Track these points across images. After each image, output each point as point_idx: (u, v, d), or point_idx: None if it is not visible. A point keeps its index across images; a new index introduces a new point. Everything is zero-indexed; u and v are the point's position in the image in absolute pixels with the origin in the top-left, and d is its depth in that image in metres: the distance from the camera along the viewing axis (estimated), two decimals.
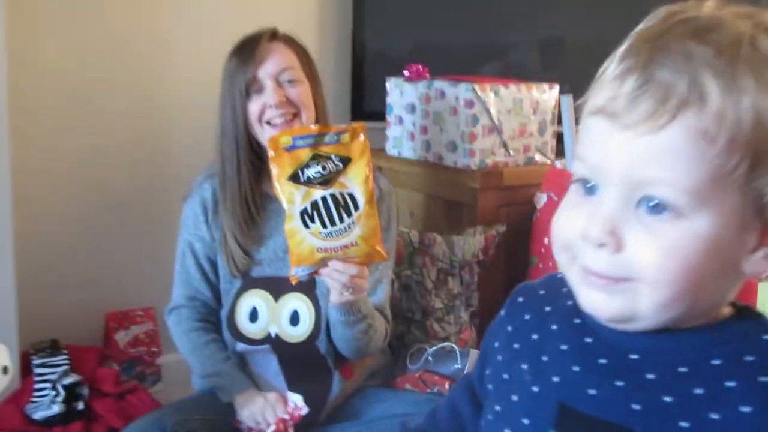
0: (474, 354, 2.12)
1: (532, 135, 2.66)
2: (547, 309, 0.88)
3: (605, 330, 0.81)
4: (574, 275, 0.79)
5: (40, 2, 2.58)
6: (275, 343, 2.06)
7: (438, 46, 2.96)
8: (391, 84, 2.75)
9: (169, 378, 2.73)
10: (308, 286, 2.01)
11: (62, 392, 2.32)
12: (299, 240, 1.79)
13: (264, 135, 2.05)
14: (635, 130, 0.71)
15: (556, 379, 0.84)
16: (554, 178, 2.44)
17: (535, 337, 0.89)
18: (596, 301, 0.77)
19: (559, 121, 2.55)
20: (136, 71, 2.77)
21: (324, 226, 1.78)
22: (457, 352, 2.19)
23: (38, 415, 2.28)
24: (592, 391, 0.81)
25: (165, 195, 2.71)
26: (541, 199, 2.46)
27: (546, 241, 2.42)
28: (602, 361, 0.81)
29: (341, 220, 1.77)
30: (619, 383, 0.79)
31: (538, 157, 2.68)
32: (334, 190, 1.77)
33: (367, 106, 2.92)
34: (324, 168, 1.78)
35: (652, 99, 0.71)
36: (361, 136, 1.80)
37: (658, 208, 0.72)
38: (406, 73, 2.68)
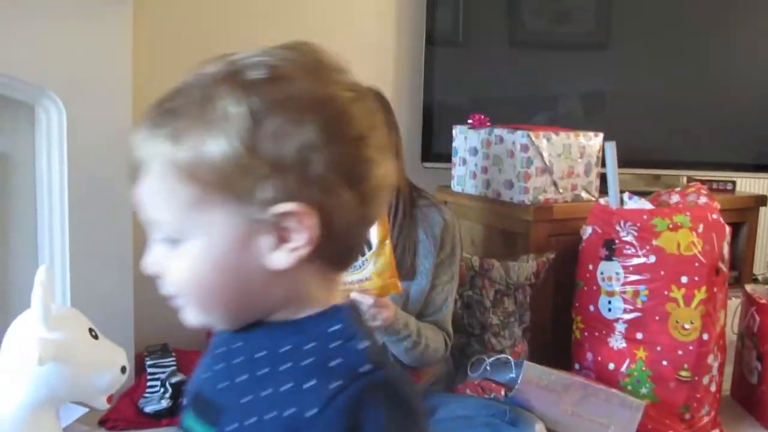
0: (527, 365, 2.11)
1: (579, 176, 2.65)
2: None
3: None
4: None
5: (162, 57, 2.56)
6: None
7: (496, 99, 2.98)
8: (457, 131, 2.75)
9: None
10: None
11: (170, 389, 2.30)
12: None
13: None
14: (137, 186, 0.77)
15: (198, 374, 0.88)
16: (598, 213, 2.44)
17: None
18: (180, 313, 0.81)
19: (603, 164, 2.55)
20: None
21: None
22: (512, 363, 2.18)
23: (149, 409, 2.28)
24: (205, 375, 0.85)
25: None
26: (587, 231, 2.46)
27: (590, 267, 2.42)
28: (219, 350, 0.85)
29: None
30: (220, 366, 0.83)
31: (583, 194, 2.67)
32: None
33: (435, 149, 2.92)
34: None
35: (131, 160, 0.77)
36: None
37: (167, 238, 0.76)
38: (469, 121, 2.69)
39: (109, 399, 1.86)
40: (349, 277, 1.84)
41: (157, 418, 2.28)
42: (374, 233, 1.83)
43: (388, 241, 1.85)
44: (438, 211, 2.16)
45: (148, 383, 2.38)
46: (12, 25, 2.08)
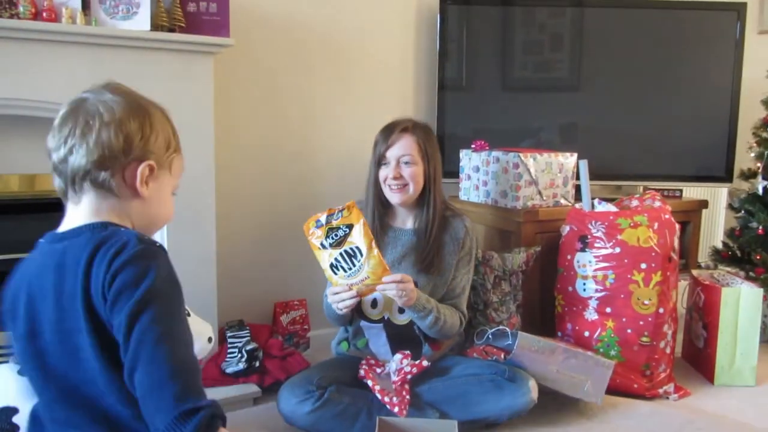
0: (520, 334, 2.06)
1: (558, 186, 2.61)
2: None
3: None
4: None
5: (236, 102, 2.59)
6: (386, 323, 2.05)
7: (493, 130, 2.94)
8: (463, 153, 2.73)
9: (315, 346, 2.69)
10: None
11: (245, 355, 2.29)
12: (335, 281, 1.83)
13: (386, 191, 2.07)
14: None
15: None
16: (574, 215, 2.40)
17: None
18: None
19: (577, 177, 2.51)
20: (299, 142, 2.74)
21: (345, 271, 1.80)
22: (509, 333, 2.16)
23: (229, 370, 2.27)
24: None
25: None
26: (565, 229, 2.42)
27: (569, 257, 2.37)
28: None
29: (354, 264, 1.78)
30: None
31: (562, 201, 2.62)
32: (346, 247, 1.79)
33: (447, 168, 2.85)
34: (336, 236, 1.79)
35: None
36: (355, 209, 1.81)
37: None
38: (472, 146, 2.67)
39: (200, 363, 1.84)
40: (351, 279, 1.80)
41: (236, 377, 2.27)
42: (362, 242, 1.78)
43: (375, 247, 1.79)
44: (461, 220, 2.13)
45: (228, 350, 2.36)
46: (130, 84, 2.09)
